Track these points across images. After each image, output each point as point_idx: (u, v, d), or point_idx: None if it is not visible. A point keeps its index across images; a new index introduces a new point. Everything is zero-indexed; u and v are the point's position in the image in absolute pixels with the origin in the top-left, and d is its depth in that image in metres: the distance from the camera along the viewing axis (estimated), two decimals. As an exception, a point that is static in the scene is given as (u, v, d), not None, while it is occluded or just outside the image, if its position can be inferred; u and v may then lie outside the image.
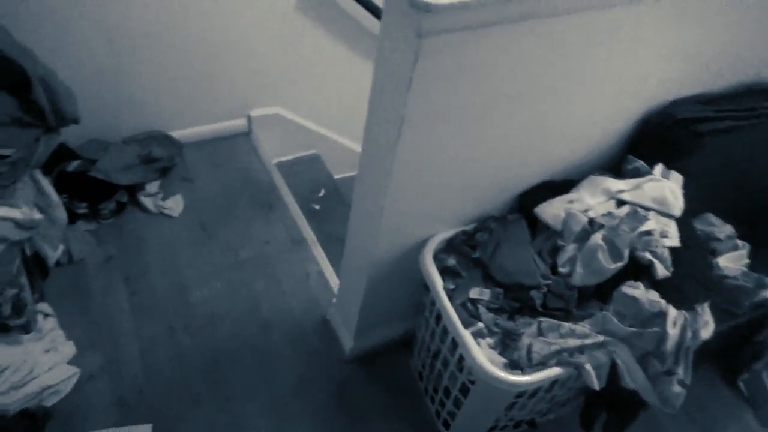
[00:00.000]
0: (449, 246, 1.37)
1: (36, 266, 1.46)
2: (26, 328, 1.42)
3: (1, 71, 1.33)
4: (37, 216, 1.35)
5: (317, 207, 2.41)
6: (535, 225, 1.37)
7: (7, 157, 1.33)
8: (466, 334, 1.19)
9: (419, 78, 0.94)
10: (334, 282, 1.90)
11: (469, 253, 1.33)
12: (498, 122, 1.13)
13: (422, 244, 1.33)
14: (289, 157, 2.58)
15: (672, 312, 1.13)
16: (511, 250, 1.32)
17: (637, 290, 1.16)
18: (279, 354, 1.68)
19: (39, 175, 1.49)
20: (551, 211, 1.33)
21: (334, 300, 1.73)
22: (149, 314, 1.71)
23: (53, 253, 1.49)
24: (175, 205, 2.02)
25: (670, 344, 1.10)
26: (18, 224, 1.30)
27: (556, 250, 1.30)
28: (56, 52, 1.70)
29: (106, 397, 1.49)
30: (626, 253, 1.19)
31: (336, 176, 2.66)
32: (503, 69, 1.02)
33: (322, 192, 2.49)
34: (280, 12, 2.06)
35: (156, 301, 1.75)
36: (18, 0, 1.61)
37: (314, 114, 2.53)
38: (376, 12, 2.13)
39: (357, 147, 2.76)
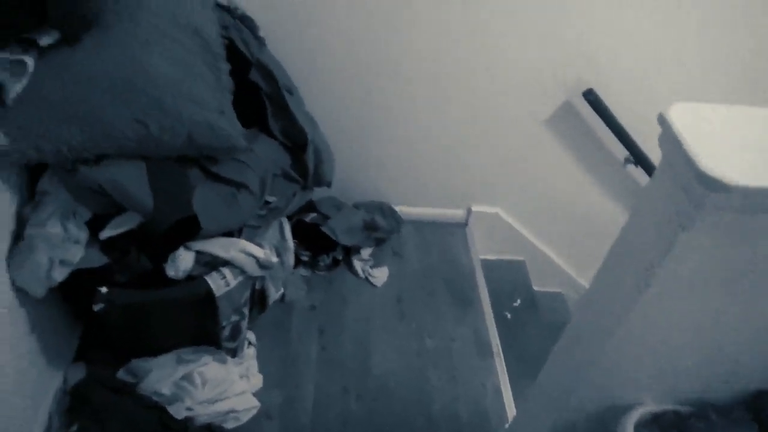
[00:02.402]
0: (654, 421, 1.22)
1: (258, 301, 1.64)
2: (234, 352, 1.59)
3: (291, 133, 1.57)
4: (275, 259, 1.53)
5: (509, 316, 2.36)
6: (768, 433, 1.16)
7: (270, 203, 1.53)
8: None
9: (681, 246, 0.88)
10: (509, 402, 1.81)
11: (677, 437, 1.18)
12: (751, 302, 1.01)
13: (624, 410, 1.21)
14: (494, 257, 2.58)
15: None
16: (730, 452, 1.13)
17: None
18: (435, 457, 1.64)
19: (285, 222, 1.69)
20: (795, 425, 1.12)
21: (507, 426, 1.65)
22: (331, 371, 1.80)
23: (275, 294, 1.66)
24: (380, 275, 2.13)
25: None
26: (259, 262, 1.48)
27: (790, 475, 1.09)
28: (320, 114, 1.95)
29: (274, 439, 1.59)
30: None
31: (535, 288, 2.59)
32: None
33: (518, 302, 2.43)
34: (527, 121, 2.12)
35: (340, 361, 1.84)
36: (309, 71, 1.90)
37: (530, 221, 2.51)
38: (627, 145, 2.08)
39: (564, 265, 2.67)
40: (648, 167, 2.14)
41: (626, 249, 1.06)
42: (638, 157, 2.13)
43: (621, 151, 2.16)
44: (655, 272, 0.94)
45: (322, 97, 1.96)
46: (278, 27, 1.77)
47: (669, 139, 0.85)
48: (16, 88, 1.16)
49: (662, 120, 0.86)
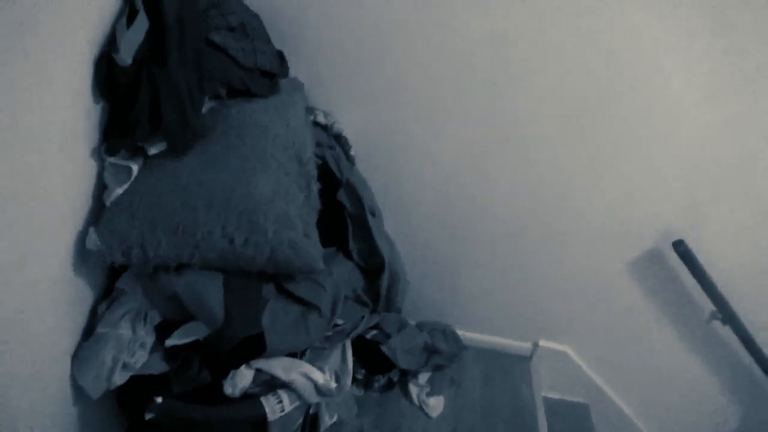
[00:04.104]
0: None
1: (309, 426, 1.55)
2: (279, 480, 1.48)
3: (368, 257, 1.54)
4: (333, 386, 1.45)
5: (568, 467, 2.16)
6: None
7: (338, 326, 1.48)
8: None
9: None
10: None
11: None
12: None
13: None
14: (557, 396, 2.42)
15: None
16: None
17: None
18: None
19: (348, 345, 1.62)
20: None
21: None
22: None
23: (328, 421, 1.57)
24: (436, 405, 2.00)
25: None
26: (317, 388, 1.40)
27: None
28: (395, 232, 1.90)
29: None
30: None
31: (598, 436, 2.38)
32: None
33: (579, 452, 2.23)
34: (608, 262, 2.03)
35: (381, 501, 1.70)
36: (392, 191, 1.91)
37: (600, 365, 2.36)
38: (716, 301, 1.94)
39: (632, 416, 2.46)
40: (737, 327, 1.98)
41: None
42: (726, 316, 1.99)
43: (707, 305, 2.02)
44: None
45: (401, 216, 1.96)
46: (368, 146, 1.80)
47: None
48: (117, 191, 1.19)
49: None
